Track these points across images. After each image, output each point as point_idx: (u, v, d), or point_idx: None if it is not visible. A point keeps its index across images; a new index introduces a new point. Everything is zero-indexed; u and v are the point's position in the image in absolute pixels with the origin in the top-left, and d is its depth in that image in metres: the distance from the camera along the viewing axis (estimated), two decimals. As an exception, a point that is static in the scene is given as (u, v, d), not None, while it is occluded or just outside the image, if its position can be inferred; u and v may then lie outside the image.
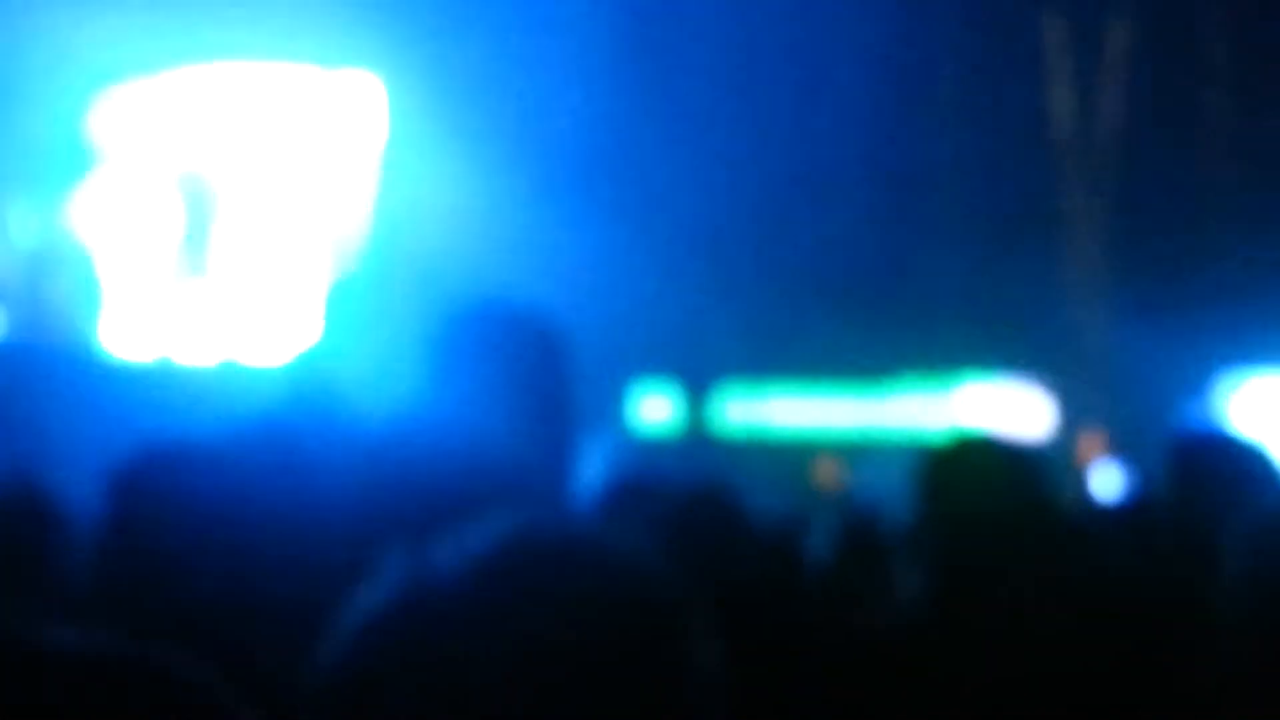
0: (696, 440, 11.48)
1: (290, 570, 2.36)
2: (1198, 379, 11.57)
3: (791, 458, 11.42)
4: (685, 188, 12.08)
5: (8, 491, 4.67)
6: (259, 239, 11.09)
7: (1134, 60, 12.92)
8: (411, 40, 11.19)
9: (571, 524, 1.34)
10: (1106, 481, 8.84)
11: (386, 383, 3.73)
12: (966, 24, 12.63)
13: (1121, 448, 10.60)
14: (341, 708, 1.20)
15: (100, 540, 2.63)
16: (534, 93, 11.36)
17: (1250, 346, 11.58)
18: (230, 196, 11.05)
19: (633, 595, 1.23)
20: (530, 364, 2.70)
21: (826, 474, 10.37)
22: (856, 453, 11.21)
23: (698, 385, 11.84)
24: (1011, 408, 12.05)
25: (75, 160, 10.78)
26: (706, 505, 3.09)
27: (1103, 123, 12.97)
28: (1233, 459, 3.45)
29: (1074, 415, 12.06)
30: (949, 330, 12.32)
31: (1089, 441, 11.21)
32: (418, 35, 11.22)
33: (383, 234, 11.34)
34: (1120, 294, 12.51)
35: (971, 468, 2.93)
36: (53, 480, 4.83)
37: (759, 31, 12.04)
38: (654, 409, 11.66)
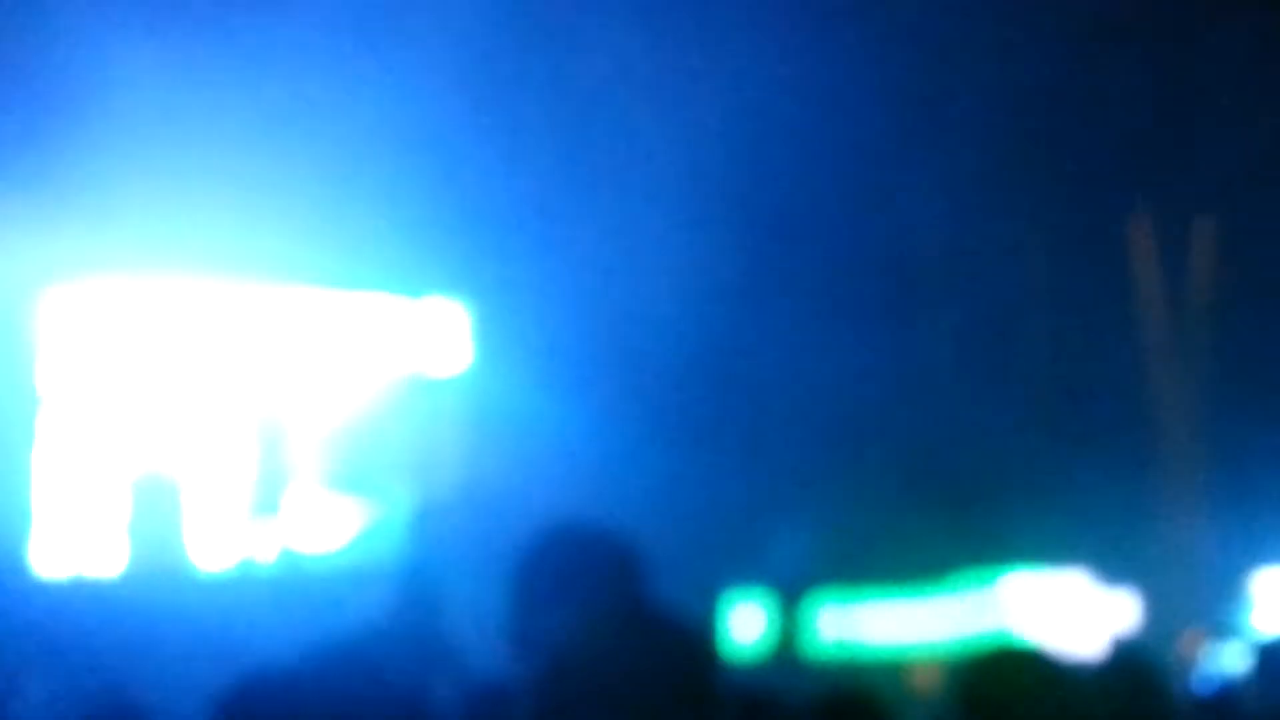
0: (789, 656, 11.42)
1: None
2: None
3: (888, 667, 11.32)
4: (769, 400, 12.16)
5: (102, 709, 4.82)
6: (338, 457, 11.23)
7: (1221, 252, 12.98)
8: (495, 264, 11.38)
9: None
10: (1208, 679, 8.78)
11: (476, 605, 3.86)
12: (1048, 223, 12.75)
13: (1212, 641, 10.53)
14: None
15: None
16: (613, 308, 11.51)
17: None
18: (307, 416, 11.17)
19: None
20: (611, 588, 2.80)
21: (924, 680, 10.29)
22: (953, 658, 11.09)
23: (789, 597, 11.78)
24: (1099, 608, 11.98)
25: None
26: (859, 710, 3.06)
27: (1189, 313, 13.01)
28: None
29: (1163, 612, 11.96)
30: (1035, 529, 12.27)
31: (1191, 639, 11.11)
32: (501, 259, 11.42)
33: (465, 451, 11.48)
34: (1208, 489, 12.48)
35: (1005, 687, 2.90)
36: (148, 693, 4.97)
37: (826, 253, 12.20)
38: (746, 625, 11.59)
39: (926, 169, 12.30)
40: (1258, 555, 11.72)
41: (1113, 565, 12.10)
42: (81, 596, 10.07)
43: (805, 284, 12.13)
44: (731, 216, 11.69)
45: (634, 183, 11.67)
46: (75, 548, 10.27)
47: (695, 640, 2.44)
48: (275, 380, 11.07)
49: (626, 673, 2.30)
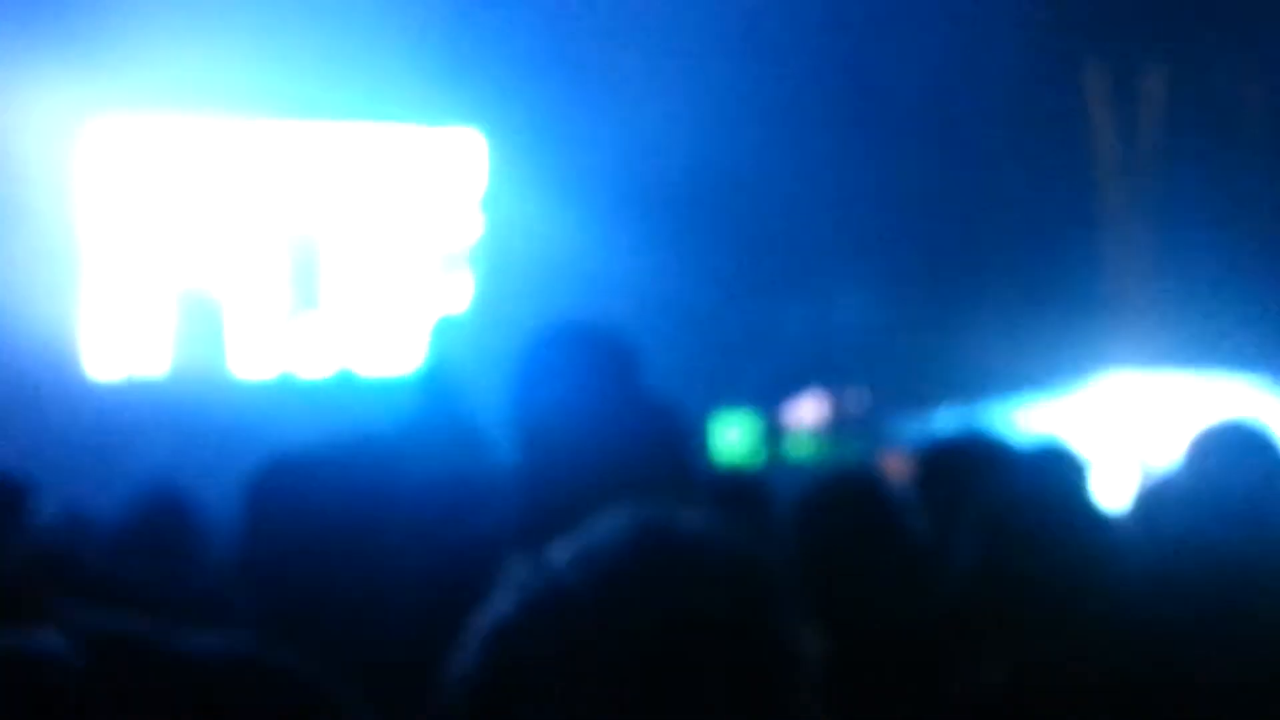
0: (774, 459, 11.37)
1: (420, 569, 2.36)
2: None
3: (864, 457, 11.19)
4: (766, 220, 12.05)
5: (154, 500, 4.78)
6: (367, 279, 11.19)
7: (1172, 99, 12.79)
8: (510, 94, 11.22)
9: (676, 523, 1.33)
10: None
11: (489, 396, 3.80)
12: (1011, 68, 12.57)
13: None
14: (478, 704, 1.24)
15: (238, 544, 2.62)
16: (627, 132, 11.37)
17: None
18: (337, 242, 11.13)
19: (735, 587, 1.25)
20: (607, 372, 2.76)
21: (894, 469, 10.14)
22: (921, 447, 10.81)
23: (775, 413, 11.70)
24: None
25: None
26: (865, 485, 2.93)
27: (1142, 157, 12.86)
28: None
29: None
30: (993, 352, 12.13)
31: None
32: (517, 89, 11.25)
33: (484, 270, 11.42)
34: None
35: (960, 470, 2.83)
36: (194, 489, 4.93)
37: (835, 79, 12.03)
38: (733, 437, 11.53)
39: (910, 19, 12.11)
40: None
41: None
42: (130, 397, 10.07)
43: (801, 112, 11.97)
44: (738, 41, 11.49)
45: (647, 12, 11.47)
46: (124, 353, 10.26)
47: (678, 423, 2.40)
48: (307, 205, 11.01)
49: (609, 446, 2.25)
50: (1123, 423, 10.30)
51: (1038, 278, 12.36)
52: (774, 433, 11.56)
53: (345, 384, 10.66)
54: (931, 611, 2.65)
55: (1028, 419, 10.04)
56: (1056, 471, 3.17)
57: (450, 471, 2.88)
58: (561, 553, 1.31)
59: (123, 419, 9.68)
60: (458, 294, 11.30)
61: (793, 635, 1.30)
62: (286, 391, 10.38)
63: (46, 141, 9.77)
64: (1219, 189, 12.24)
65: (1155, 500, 3.20)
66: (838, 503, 2.86)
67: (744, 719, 1.25)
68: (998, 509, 2.48)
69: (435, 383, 5.58)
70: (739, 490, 3.85)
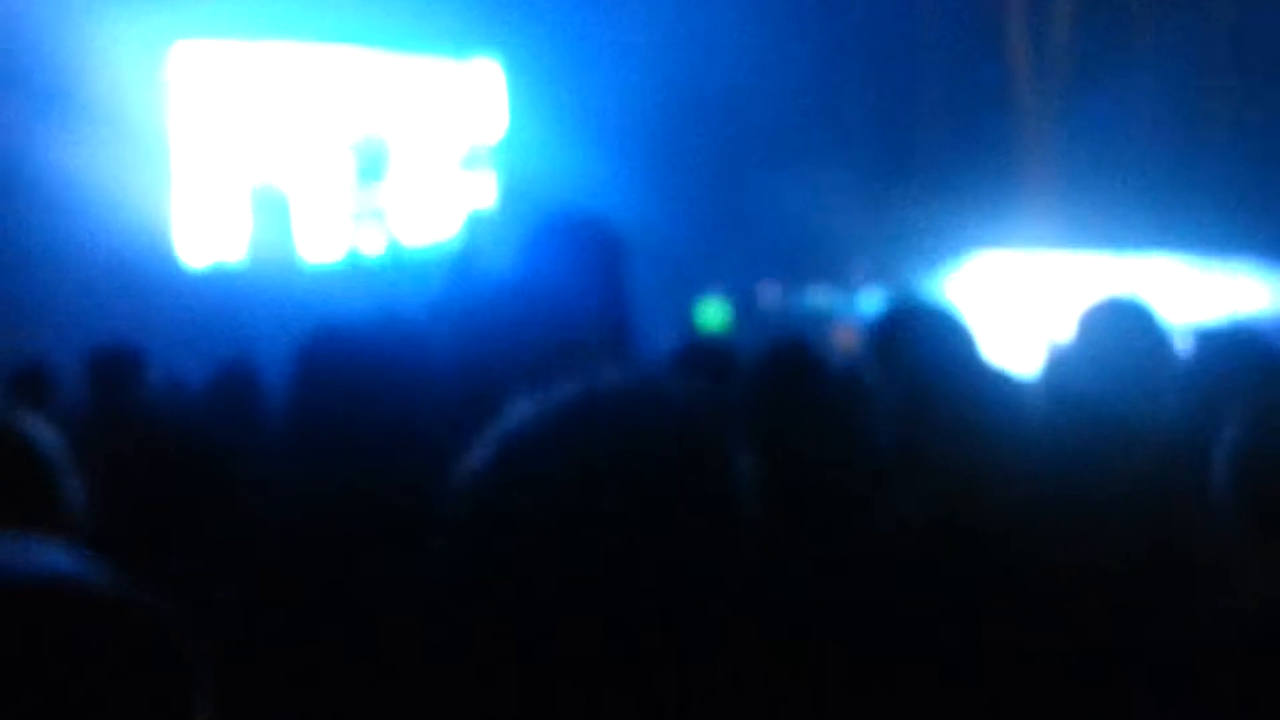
0: (744, 328, 11.37)
1: (431, 408, 2.35)
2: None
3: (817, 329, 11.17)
4: (744, 136, 11.91)
5: (232, 370, 4.82)
6: (412, 177, 11.17)
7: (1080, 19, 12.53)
8: (524, 24, 11.15)
9: (640, 372, 1.36)
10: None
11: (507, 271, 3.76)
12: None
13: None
14: (481, 503, 1.25)
15: (290, 396, 2.61)
16: (626, 55, 11.24)
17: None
18: (390, 146, 11.11)
19: (686, 421, 1.28)
20: (594, 254, 2.73)
21: (844, 341, 10.04)
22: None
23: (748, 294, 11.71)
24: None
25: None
26: (798, 349, 2.92)
27: (1052, 71, 12.62)
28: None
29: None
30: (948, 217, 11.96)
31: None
32: (530, 19, 11.16)
33: (508, 171, 11.41)
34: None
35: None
36: (266, 360, 4.93)
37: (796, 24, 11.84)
38: (710, 315, 11.53)
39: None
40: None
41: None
42: (215, 281, 10.04)
43: (779, 38, 11.79)
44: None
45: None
46: (211, 243, 10.21)
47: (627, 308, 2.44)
48: (362, 116, 10.94)
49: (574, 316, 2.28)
50: (1017, 297, 10.25)
51: (955, 169, 12.31)
52: (740, 311, 11.63)
53: (394, 263, 10.66)
54: (860, 452, 2.63)
55: (944, 287, 10.02)
56: (957, 337, 3.12)
57: (466, 341, 2.85)
58: (552, 390, 1.29)
59: (209, 299, 9.69)
60: (485, 191, 11.33)
61: (733, 460, 1.29)
62: (347, 274, 10.40)
63: (141, 61, 9.70)
64: (1117, 91, 12.10)
65: (1056, 368, 3.17)
66: (780, 360, 2.87)
67: (689, 525, 1.25)
68: (919, 371, 2.47)
69: (462, 265, 5.55)
70: (712, 354, 3.89)
